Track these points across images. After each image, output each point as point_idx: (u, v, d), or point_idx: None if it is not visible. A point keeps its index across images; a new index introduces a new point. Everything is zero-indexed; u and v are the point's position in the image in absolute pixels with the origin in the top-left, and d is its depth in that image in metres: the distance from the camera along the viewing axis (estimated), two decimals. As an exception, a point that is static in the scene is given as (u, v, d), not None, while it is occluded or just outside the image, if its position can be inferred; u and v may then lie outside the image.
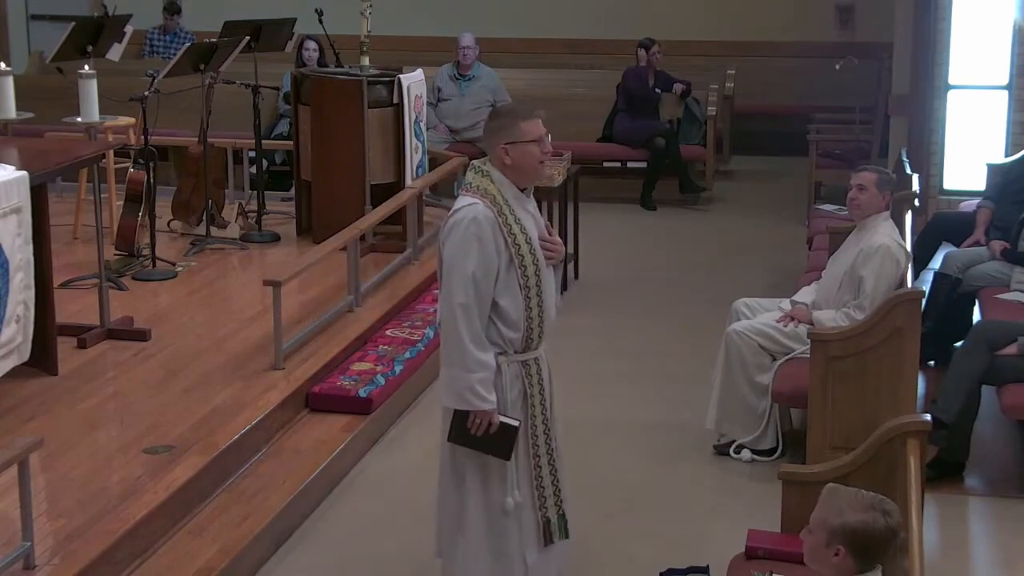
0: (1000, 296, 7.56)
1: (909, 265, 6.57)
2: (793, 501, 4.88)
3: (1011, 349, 6.38)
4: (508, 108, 5.01)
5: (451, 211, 4.78)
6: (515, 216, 4.74)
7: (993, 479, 6.55)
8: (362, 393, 6.90)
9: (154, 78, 8.72)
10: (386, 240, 9.36)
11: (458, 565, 4.88)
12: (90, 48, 9.07)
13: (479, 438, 4.72)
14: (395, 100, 9.20)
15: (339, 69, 10.01)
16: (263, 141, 10.00)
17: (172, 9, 14.45)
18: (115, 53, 9.75)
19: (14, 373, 6.41)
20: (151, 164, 8.60)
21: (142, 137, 8.78)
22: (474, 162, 4.86)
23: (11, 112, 8.23)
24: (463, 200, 4.75)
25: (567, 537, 4.98)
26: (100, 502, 5.44)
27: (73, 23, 9.22)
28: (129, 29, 9.89)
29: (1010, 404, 6.29)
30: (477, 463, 4.82)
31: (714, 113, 12.44)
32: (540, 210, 5.04)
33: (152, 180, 8.61)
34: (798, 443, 6.55)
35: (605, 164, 12.61)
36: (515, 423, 4.74)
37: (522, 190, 4.82)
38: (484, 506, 4.83)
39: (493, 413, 4.69)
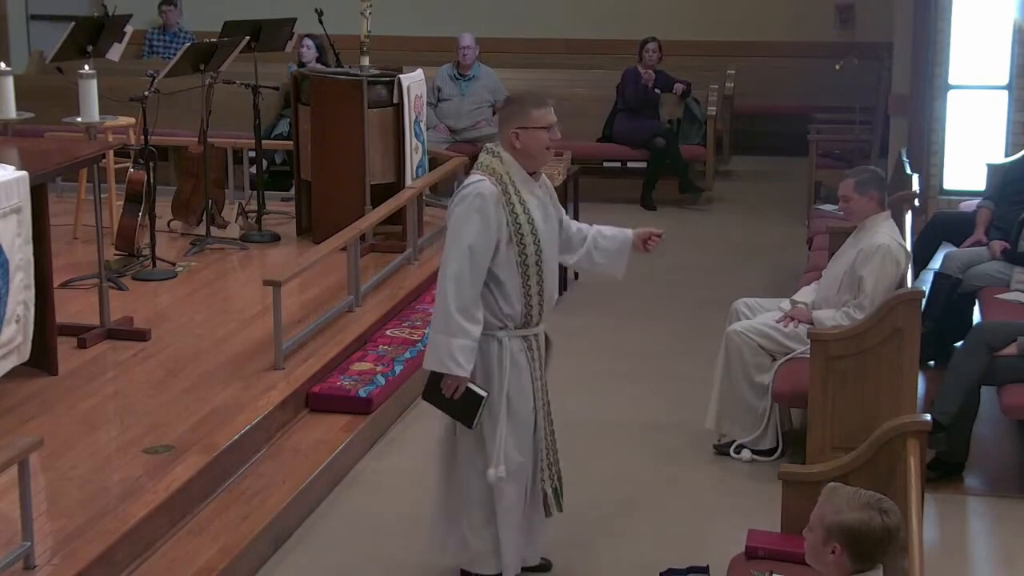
0: (1000, 296, 7.55)
1: (909, 265, 6.57)
2: (793, 501, 4.88)
3: (1010, 349, 6.37)
4: (520, 96, 5.18)
5: (460, 186, 5.01)
6: (520, 197, 4.93)
7: (993, 479, 6.55)
8: (362, 393, 6.90)
9: (154, 78, 8.72)
10: (386, 240, 9.36)
11: (464, 545, 5.17)
12: (90, 48, 9.07)
13: (449, 401, 4.94)
14: (395, 100, 9.20)
15: (339, 69, 10.01)
16: (263, 141, 10.00)
17: (168, 1, 14.44)
18: (115, 53, 9.76)
19: (14, 373, 6.41)
20: (151, 164, 8.60)
21: (142, 137, 8.78)
22: (488, 145, 5.08)
23: (11, 112, 8.23)
24: (472, 177, 4.97)
25: (561, 510, 5.24)
26: (100, 502, 5.44)
27: (73, 23, 9.22)
28: (129, 29, 9.91)
29: (1010, 404, 6.29)
30: (470, 439, 5.06)
31: (714, 113, 12.43)
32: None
33: (152, 180, 8.61)
34: (798, 443, 6.55)
35: (605, 164, 12.60)
36: (482, 393, 4.96)
37: (531, 175, 5.01)
38: (478, 476, 5.08)
39: (465, 380, 4.89)
